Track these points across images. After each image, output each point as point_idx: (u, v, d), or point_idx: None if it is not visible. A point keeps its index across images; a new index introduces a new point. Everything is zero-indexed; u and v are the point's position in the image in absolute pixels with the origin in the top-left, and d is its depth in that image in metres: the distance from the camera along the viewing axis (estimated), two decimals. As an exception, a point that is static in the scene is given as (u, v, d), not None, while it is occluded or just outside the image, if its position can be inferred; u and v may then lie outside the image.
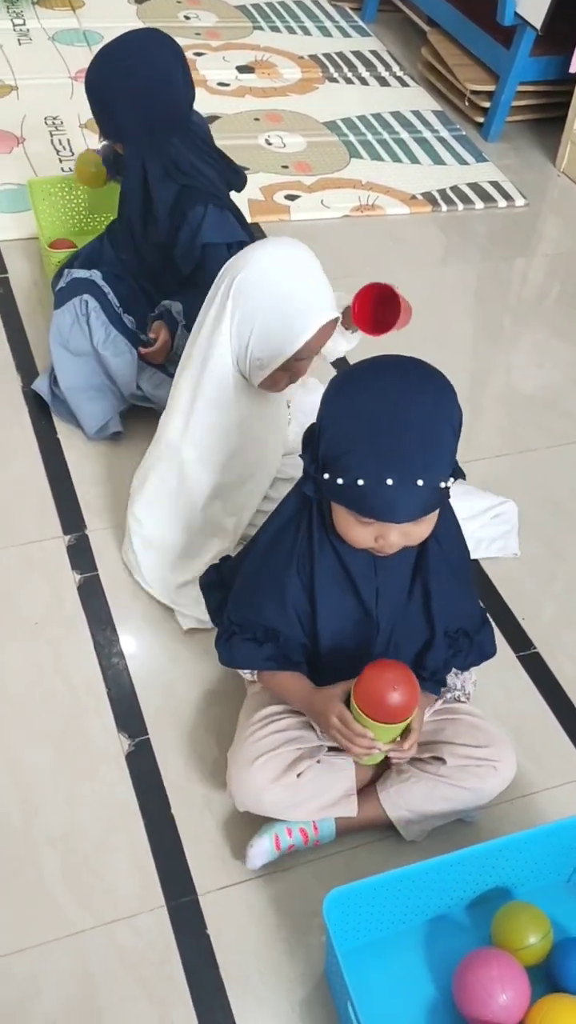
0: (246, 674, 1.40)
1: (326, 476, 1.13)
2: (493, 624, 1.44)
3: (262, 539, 1.32)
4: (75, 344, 1.87)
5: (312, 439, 1.18)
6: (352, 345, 1.67)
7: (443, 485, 1.11)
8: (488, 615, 1.43)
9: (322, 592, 1.25)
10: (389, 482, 1.07)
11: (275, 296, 1.39)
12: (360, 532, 1.16)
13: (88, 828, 1.38)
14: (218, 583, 1.44)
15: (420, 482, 1.08)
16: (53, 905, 1.30)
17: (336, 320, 1.44)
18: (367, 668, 1.20)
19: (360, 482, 1.09)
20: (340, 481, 1.11)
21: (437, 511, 1.17)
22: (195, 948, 1.28)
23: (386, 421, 1.08)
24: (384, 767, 1.39)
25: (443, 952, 1.28)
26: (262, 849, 1.33)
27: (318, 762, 1.33)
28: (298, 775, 1.31)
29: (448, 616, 1.31)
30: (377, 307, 1.55)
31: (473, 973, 1.20)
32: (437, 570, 1.26)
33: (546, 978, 1.25)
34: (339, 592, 1.26)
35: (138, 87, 1.70)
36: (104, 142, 1.93)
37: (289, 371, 1.46)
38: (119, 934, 1.28)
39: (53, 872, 1.33)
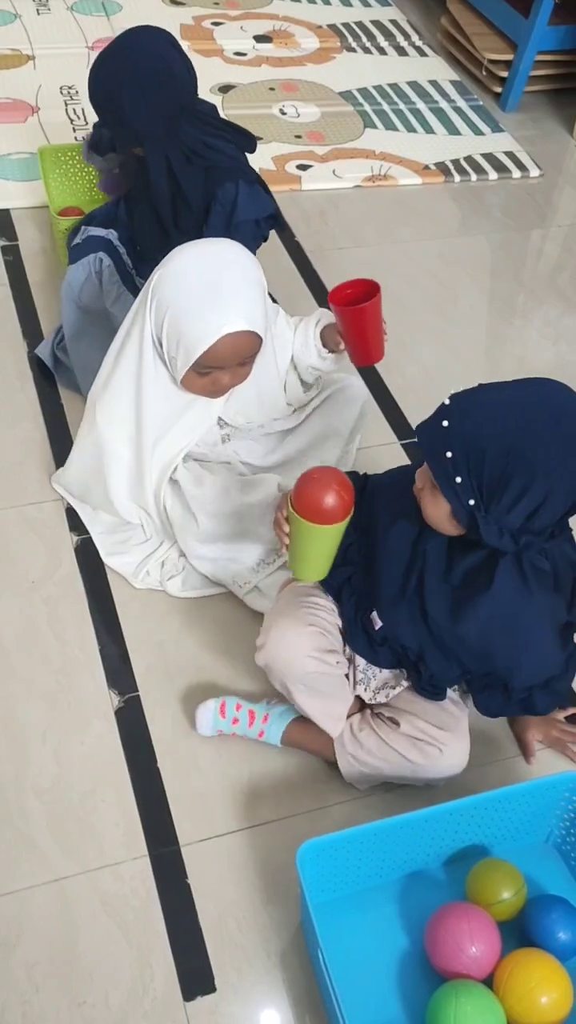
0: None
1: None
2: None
3: None
4: (86, 299, 1.89)
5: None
6: (326, 366, 1.62)
7: None
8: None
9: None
10: None
11: (186, 297, 1.38)
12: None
13: (76, 780, 1.41)
14: None
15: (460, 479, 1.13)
16: (38, 852, 1.33)
17: (252, 336, 1.41)
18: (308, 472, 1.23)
19: None
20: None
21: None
22: (175, 896, 1.31)
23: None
24: (358, 707, 1.43)
25: (418, 907, 1.30)
26: (206, 711, 1.42)
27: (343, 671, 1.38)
28: (336, 662, 1.35)
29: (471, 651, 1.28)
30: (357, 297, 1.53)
31: (445, 926, 1.22)
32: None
33: (518, 933, 1.27)
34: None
35: (144, 83, 1.70)
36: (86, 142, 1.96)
37: (208, 378, 1.45)
38: (102, 881, 1.32)
39: (39, 821, 1.36)
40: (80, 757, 1.44)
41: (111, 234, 1.90)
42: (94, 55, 1.78)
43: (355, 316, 1.50)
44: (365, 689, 1.40)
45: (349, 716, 1.41)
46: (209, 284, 1.38)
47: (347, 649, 1.39)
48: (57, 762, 1.43)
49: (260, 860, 1.35)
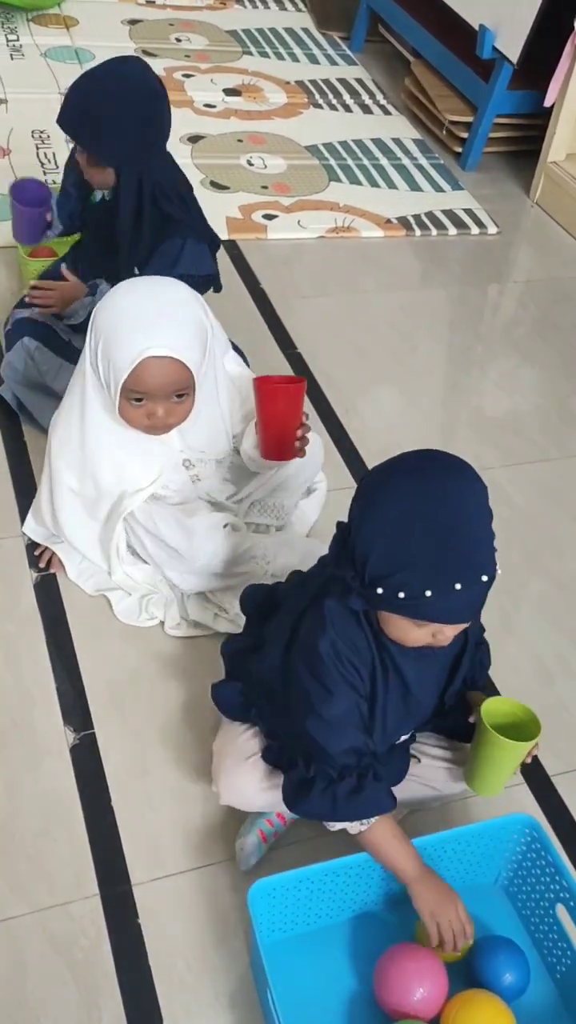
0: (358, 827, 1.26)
1: (380, 591, 1.11)
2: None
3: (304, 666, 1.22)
4: (32, 380, 1.96)
5: (350, 551, 1.15)
6: (256, 458, 1.65)
7: (498, 572, 1.13)
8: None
9: (381, 694, 1.24)
10: (457, 587, 1.08)
11: (118, 322, 1.41)
12: (418, 633, 1.15)
13: (28, 818, 1.41)
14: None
15: (484, 578, 1.10)
16: (-12, 890, 1.33)
17: (177, 365, 1.42)
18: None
19: (428, 593, 1.08)
20: (402, 595, 1.09)
21: None
22: (126, 936, 1.31)
23: (444, 528, 1.08)
24: None
25: (368, 948, 1.31)
26: (251, 847, 1.37)
27: None
28: None
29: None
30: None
31: (393, 966, 1.23)
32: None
33: (465, 974, 1.28)
34: (397, 691, 1.25)
35: (137, 102, 1.74)
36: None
37: (141, 409, 1.47)
38: (52, 921, 1.31)
39: (-10, 858, 1.36)
40: (33, 795, 1.43)
41: (34, 312, 1.95)
42: (67, 102, 1.83)
43: (269, 396, 1.51)
44: None
45: None
46: (143, 311, 1.41)
47: None
48: (9, 799, 1.42)
49: (211, 900, 1.36)
